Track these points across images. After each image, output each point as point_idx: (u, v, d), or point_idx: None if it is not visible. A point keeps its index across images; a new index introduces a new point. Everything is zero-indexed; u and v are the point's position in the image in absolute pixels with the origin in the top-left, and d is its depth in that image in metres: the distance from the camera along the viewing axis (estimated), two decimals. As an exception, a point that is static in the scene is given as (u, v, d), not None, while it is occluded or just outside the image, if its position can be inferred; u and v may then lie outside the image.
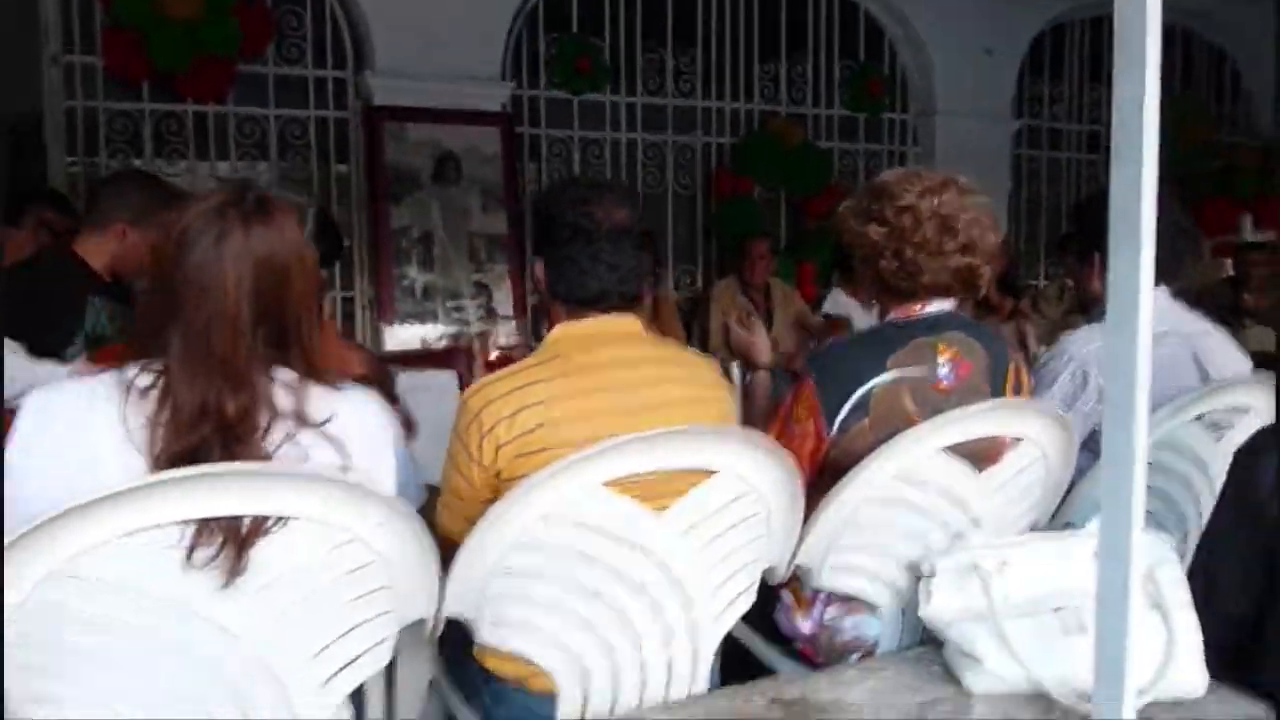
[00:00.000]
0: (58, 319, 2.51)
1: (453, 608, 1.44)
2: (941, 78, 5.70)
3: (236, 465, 1.19)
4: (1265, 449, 1.56)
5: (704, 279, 5.43)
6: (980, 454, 1.71)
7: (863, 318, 4.97)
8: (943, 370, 1.71)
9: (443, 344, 4.43)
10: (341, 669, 1.34)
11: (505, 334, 4.50)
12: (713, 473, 1.48)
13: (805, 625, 1.80)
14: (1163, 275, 2.13)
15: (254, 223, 1.24)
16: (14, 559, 1.12)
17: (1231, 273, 4.78)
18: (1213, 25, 6.54)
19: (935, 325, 1.73)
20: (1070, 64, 6.33)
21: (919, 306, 1.75)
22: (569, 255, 1.53)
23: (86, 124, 4.16)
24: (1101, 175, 6.28)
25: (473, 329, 4.46)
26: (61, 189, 3.98)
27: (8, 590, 1.14)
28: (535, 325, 4.66)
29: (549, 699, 1.52)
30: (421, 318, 4.60)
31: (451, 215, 4.47)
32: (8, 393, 2.27)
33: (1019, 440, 1.74)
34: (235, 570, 1.18)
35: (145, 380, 1.21)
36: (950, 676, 1.63)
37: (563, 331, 1.55)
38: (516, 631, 1.48)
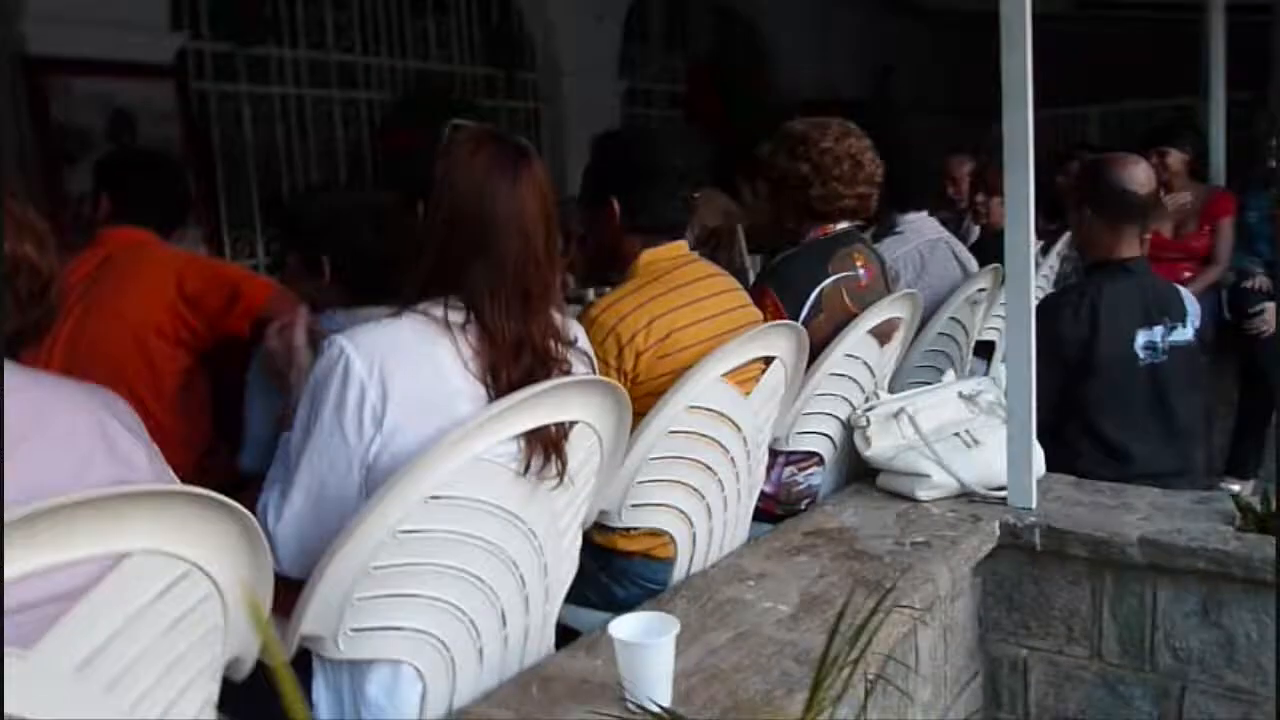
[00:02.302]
0: None
1: (602, 503, 1.70)
2: (564, 41, 6.23)
3: (565, 379, 1.36)
4: (1056, 307, 2.33)
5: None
6: (882, 333, 2.30)
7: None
8: (860, 272, 2.26)
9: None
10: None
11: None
12: (773, 358, 1.90)
13: (768, 486, 2.27)
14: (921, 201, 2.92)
15: (532, 162, 1.34)
16: (403, 482, 1.22)
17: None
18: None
19: (846, 239, 2.28)
20: (652, 33, 7.25)
21: (833, 225, 2.28)
22: (650, 192, 1.81)
23: None
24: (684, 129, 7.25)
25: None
26: None
27: (382, 518, 1.22)
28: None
29: (665, 564, 1.83)
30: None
31: (134, 177, 4.03)
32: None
33: (900, 319, 2.37)
34: (563, 472, 1.36)
35: (457, 316, 1.30)
36: (892, 496, 2.20)
37: (652, 256, 1.82)
38: (654, 509, 1.77)
